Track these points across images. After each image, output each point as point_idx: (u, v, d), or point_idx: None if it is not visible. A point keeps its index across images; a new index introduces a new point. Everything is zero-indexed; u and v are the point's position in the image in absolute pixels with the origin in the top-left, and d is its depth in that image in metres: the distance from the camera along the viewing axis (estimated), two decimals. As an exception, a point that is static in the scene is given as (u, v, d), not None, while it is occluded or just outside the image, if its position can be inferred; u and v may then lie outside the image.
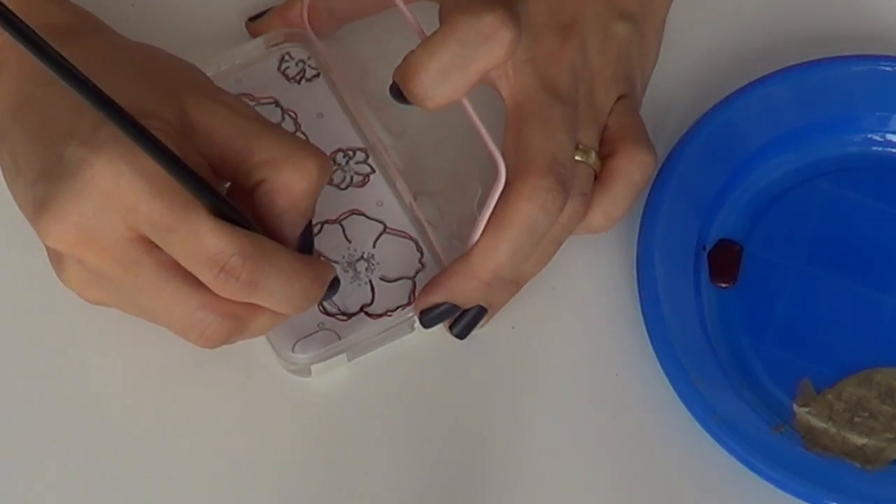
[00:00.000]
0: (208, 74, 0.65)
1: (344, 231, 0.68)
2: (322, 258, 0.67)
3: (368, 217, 0.68)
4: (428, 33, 0.63)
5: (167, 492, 0.66)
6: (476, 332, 0.68)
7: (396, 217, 0.68)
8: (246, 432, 0.67)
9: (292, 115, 0.70)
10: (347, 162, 0.69)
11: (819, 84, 0.71)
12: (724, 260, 0.69)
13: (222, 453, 0.67)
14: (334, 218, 0.68)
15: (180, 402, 0.68)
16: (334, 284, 0.62)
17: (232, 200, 0.59)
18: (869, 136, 0.72)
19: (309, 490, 0.66)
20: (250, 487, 0.66)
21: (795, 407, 0.67)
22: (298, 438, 0.67)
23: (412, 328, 0.67)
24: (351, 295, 0.67)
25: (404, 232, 0.68)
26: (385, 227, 0.68)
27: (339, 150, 0.70)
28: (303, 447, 0.67)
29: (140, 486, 0.66)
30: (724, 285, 0.69)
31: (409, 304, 0.67)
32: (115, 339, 0.68)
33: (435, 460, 0.67)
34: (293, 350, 0.66)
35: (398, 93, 0.62)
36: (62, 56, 0.51)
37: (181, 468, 0.66)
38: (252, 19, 0.72)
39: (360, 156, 0.70)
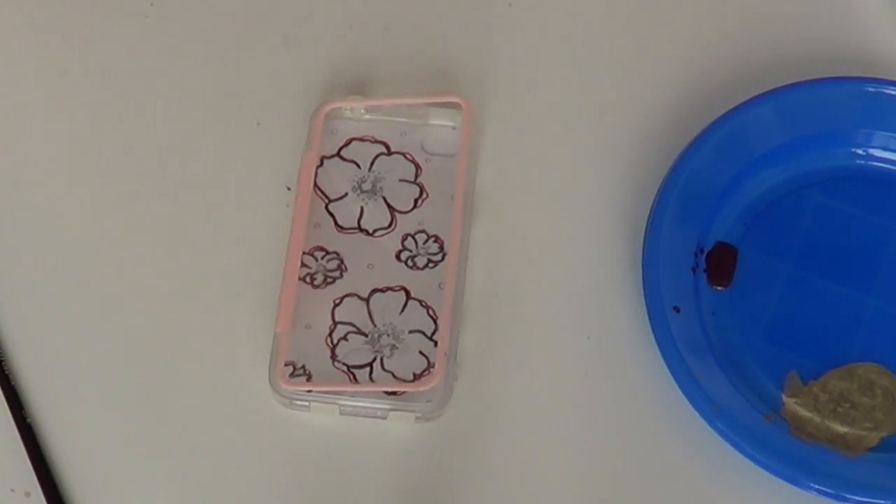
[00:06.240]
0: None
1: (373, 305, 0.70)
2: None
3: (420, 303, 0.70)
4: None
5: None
6: (475, 334, 0.69)
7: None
8: (245, 460, 0.67)
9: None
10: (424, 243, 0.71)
11: (809, 103, 0.72)
12: (720, 264, 0.71)
13: (217, 478, 0.67)
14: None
15: (176, 420, 0.68)
16: None
17: None
18: (853, 150, 0.73)
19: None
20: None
21: (784, 397, 0.68)
22: (294, 466, 0.67)
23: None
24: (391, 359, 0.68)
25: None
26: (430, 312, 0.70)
27: (423, 231, 0.71)
28: (297, 474, 0.67)
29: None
30: (719, 287, 0.70)
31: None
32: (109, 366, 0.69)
33: (434, 459, 0.67)
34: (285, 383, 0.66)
35: None
36: None
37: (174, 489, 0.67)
38: None
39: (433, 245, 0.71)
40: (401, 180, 0.73)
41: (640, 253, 0.69)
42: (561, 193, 0.74)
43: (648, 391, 0.68)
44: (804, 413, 0.68)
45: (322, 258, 0.71)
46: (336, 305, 0.69)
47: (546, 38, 0.78)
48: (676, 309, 0.68)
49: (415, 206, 0.72)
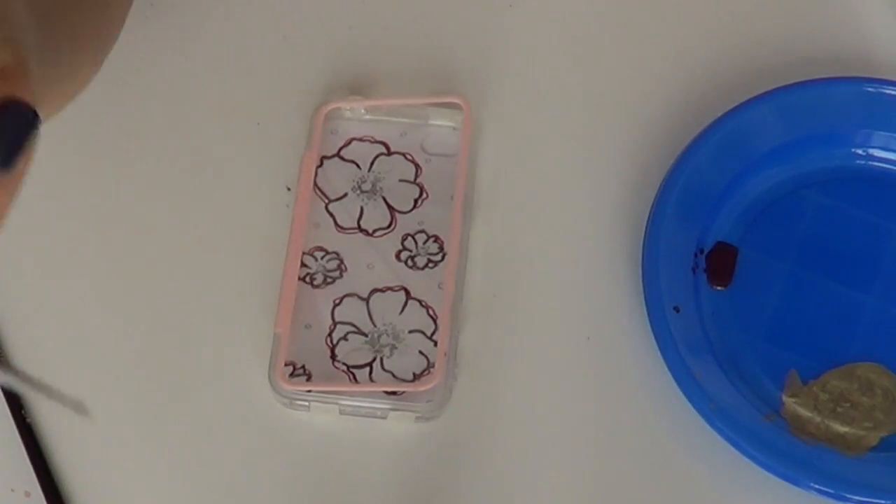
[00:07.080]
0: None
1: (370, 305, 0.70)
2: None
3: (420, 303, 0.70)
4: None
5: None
6: (475, 334, 0.69)
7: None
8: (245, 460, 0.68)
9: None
10: (424, 243, 0.71)
11: (809, 103, 0.72)
12: (720, 264, 0.71)
13: (216, 476, 0.67)
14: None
15: (174, 421, 0.68)
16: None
17: None
18: (853, 150, 0.73)
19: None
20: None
21: (784, 397, 0.68)
22: (294, 466, 0.67)
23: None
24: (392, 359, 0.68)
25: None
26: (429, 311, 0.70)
27: (423, 231, 0.71)
28: (298, 475, 0.67)
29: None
30: (719, 287, 0.70)
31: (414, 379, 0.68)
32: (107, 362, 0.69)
33: (434, 459, 0.68)
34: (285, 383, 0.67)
35: None
36: None
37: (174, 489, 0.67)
38: None
39: (433, 245, 0.71)
40: (401, 180, 0.73)
41: (640, 253, 0.70)
42: (561, 193, 0.74)
43: (648, 391, 0.69)
44: (804, 413, 0.68)
45: (322, 258, 0.71)
46: (336, 305, 0.70)
47: (546, 38, 0.78)
48: (676, 309, 0.69)
49: (414, 206, 0.72)
